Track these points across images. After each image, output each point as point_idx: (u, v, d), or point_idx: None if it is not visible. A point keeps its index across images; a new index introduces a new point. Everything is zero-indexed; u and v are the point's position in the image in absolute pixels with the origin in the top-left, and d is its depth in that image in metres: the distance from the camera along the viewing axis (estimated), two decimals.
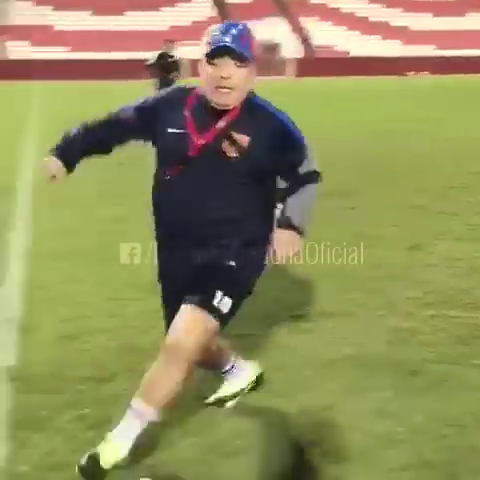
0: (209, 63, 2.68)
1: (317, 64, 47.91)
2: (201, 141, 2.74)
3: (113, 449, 2.68)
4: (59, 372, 3.71)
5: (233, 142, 2.72)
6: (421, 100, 21.00)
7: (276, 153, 2.78)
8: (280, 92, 21.20)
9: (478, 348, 4.05)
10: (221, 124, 2.74)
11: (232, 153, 2.73)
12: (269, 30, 50.75)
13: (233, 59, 2.65)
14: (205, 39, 2.71)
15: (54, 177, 2.92)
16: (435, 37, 52.39)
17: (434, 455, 2.96)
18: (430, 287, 5.08)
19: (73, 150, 2.95)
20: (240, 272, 2.79)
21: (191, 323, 2.58)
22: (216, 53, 2.65)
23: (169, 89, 3.04)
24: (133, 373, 3.67)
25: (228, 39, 2.63)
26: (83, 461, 2.67)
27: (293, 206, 2.80)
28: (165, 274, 2.97)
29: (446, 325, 4.39)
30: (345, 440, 3.09)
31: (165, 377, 2.60)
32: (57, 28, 47.84)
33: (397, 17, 54.07)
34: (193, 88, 2.87)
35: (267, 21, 49.05)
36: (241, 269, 2.79)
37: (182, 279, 2.81)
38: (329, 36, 52.25)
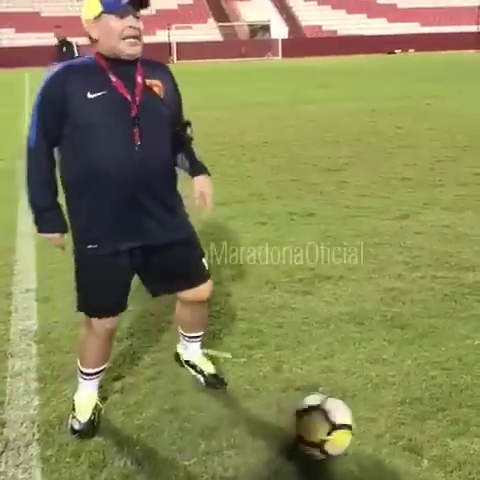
0: (119, 16, 2.65)
1: (304, 44, 48.02)
2: (136, 98, 2.74)
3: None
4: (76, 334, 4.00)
5: (152, 90, 2.80)
6: (408, 77, 21.29)
7: (175, 97, 2.93)
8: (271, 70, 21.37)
9: (464, 304, 4.38)
10: (139, 78, 2.77)
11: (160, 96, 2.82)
12: (256, 11, 50.77)
13: (134, 11, 2.69)
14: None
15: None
16: (420, 15, 52.82)
17: (423, 393, 3.31)
18: (418, 252, 5.42)
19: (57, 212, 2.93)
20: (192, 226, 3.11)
21: (209, 288, 3.26)
22: (128, 6, 2.65)
23: (66, 65, 2.78)
24: (148, 333, 4.02)
25: None
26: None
27: (195, 152, 3.05)
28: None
29: (434, 285, 4.73)
30: (343, 382, 3.42)
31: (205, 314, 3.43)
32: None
33: None
34: (89, 56, 2.80)
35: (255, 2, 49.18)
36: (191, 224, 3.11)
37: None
38: (316, 16, 52.40)
